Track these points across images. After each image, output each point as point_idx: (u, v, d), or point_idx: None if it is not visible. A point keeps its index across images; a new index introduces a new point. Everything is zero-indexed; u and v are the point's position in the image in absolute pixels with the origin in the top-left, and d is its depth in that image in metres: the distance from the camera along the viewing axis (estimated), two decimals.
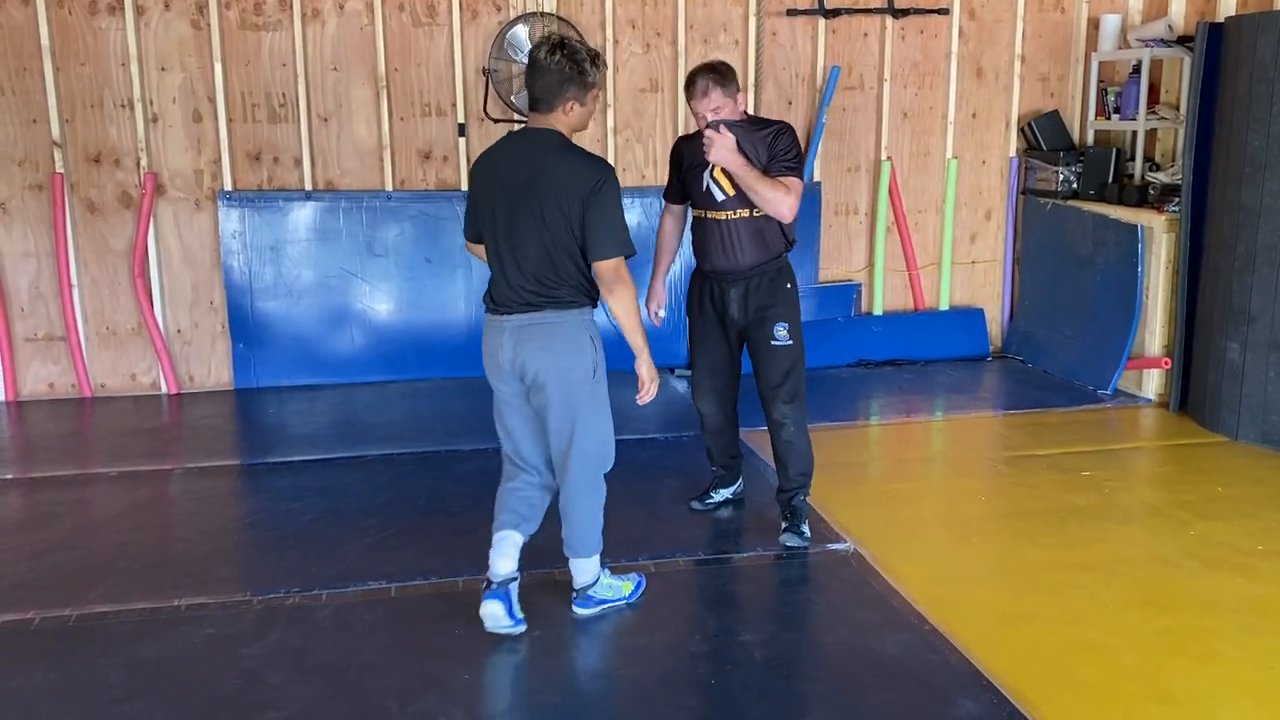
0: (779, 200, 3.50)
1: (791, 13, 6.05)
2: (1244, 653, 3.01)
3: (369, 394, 5.69)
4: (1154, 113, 5.86)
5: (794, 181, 3.55)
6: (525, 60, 3.50)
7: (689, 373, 4.05)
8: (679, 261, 5.70)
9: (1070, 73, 6.40)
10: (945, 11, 6.18)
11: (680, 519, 4.00)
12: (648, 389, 3.11)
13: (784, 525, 3.77)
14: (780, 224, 3.65)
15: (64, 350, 5.67)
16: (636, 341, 3.05)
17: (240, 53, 5.60)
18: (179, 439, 5.13)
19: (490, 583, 3.05)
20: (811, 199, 6.13)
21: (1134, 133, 5.92)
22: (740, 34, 6.02)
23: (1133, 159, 5.90)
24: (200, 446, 4.94)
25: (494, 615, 3.00)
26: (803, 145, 5.99)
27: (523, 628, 3.07)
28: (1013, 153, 6.46)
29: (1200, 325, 5.10)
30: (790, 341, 3.68)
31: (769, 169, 3.54)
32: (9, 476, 4.55)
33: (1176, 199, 5.35)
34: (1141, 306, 5.45)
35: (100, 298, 5.67)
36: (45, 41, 5.37)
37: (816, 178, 6.24)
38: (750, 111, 5.38)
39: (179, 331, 5.80)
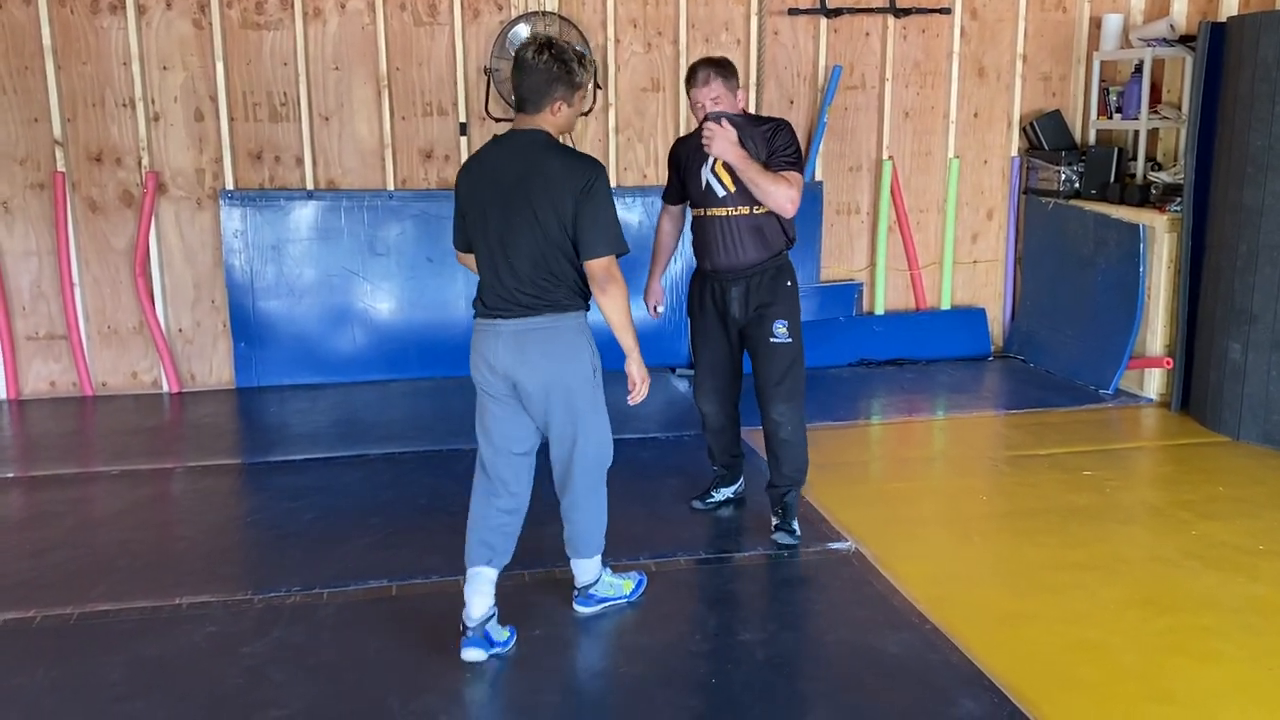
0: (780, 193, 3.50)
1: (793, 12, 6.05)
2: (1245, 652, 3.01)
3: (370, 393, 5.70)
4: (1156, 112, 5.85)
5: (795, 175, 3.55)
6: None
7: (690, 372, 4.05)
8: (680, 261, 5.75)
9: (1072, 72, 6.40)
10: (947, 11, 6.17)
11: (681, 518, 4.00)
12: (639, 389, 3.07)
13: (775, 523, 3.78)
14: (780, 221, 3.66)
15: (65, 349, 5.67)
16: (627, 341, 3.01)
17: (242, 52, 5.61)
18: (180, 437, 5.13)
19: (466, 628, 2.95)
20: (813, 198, 6.13)
21: (1136, 132, 5.91)
22: (742, 33, 6.02)
23: (1134, 158, 5.90)
24: (202, 445, 4.94)
25: (476, 658, 2.94)
26: (804, 145, 6.00)
27: (511, 645, 3.04)
28: (1014, 152, 6.45)
29: (1202, 325, 5.10)
30: (789, 339, 3.67)
31: (769, 164, 3.54)
32: (10, 475, 4.55)
33: (1178, 199, 5.35)
34: (1143, 306, 5.45)
35: (102, 296, 5.68)
36: (47, 40, 5.37)
37: (818, 177, 6.23)
38: (751, 110, 5.39)
39: (180, 330, 5.80)
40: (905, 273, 6.45)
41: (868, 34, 6.18)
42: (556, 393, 2.97)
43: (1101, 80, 6.19)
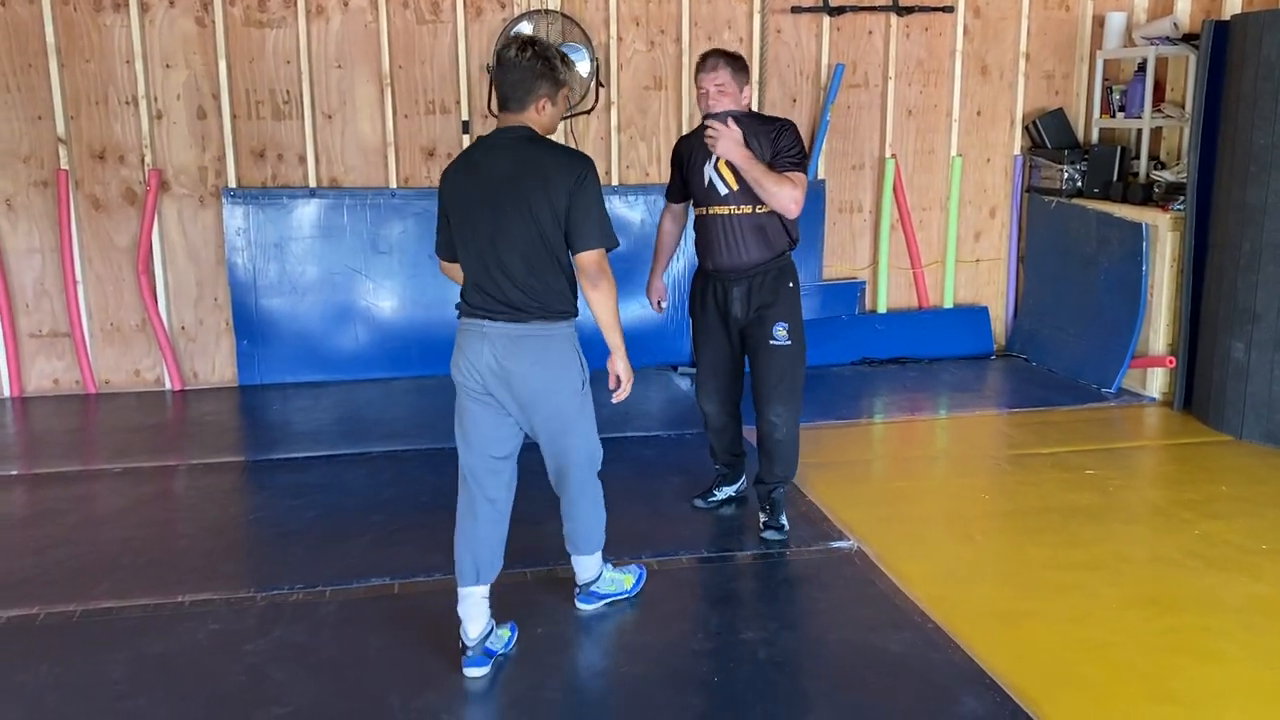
0: (784, 194, 3.49)
1: (796, 10, 6.04)
2: (1247, 652, 3.00)
3: (373, 391, 5.70)
4: (1159, 111, 5.85)
5: (799, 176, 3.55)
6: None
7: (692, 370, 4.05)
8: (682, 259, 5.75)
9: (1075, 70, 6.39)
10: (950, 9, 6.17)
11: (683, 516, 4.00)
12: (624, 388, 3.03)
13: (764, 520, 3.79)
14: (783, 221, 3.65)
15: (68, 346, 5.68)
16: (614, 339, 2.96)
17: (245, 50, 5.61)
18: (183, 435, 5.14)
19: (466, 647, 2.92)
20: (816, 196, 6.13)
21: (1139, 131, 5.90)
22: (745, 31, 6.02)
23: (1137, 157, 5.89)
24: (204, 443, 4.95)
25: (480, 674, 2.91)
26: (807, 143, 5.99)
27: (513, 643, 3.04)
28: (1017, 151, 6.45)
29: (1205, 324, 5.09)
30: (789, 342, 3.67)
31: (773, 164, 3.54)
32: (14, 472, 4.56)
33: (1181, 197, 5.34)
34: (1146, 305, 5.45)
35: (105, 294, 5.68)
36: (50, 39, 5.38)
37: (821, 175, 6.23)
38: (754, 108, 5.38)
39: (183, 328, 5.81)
40: (908, 271, 6.44)
41: (870, 32, 6.17)
42: (547, 402, 2.93)
43: (1105, 79, 6.19)
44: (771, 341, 3.66)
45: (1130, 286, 5.50)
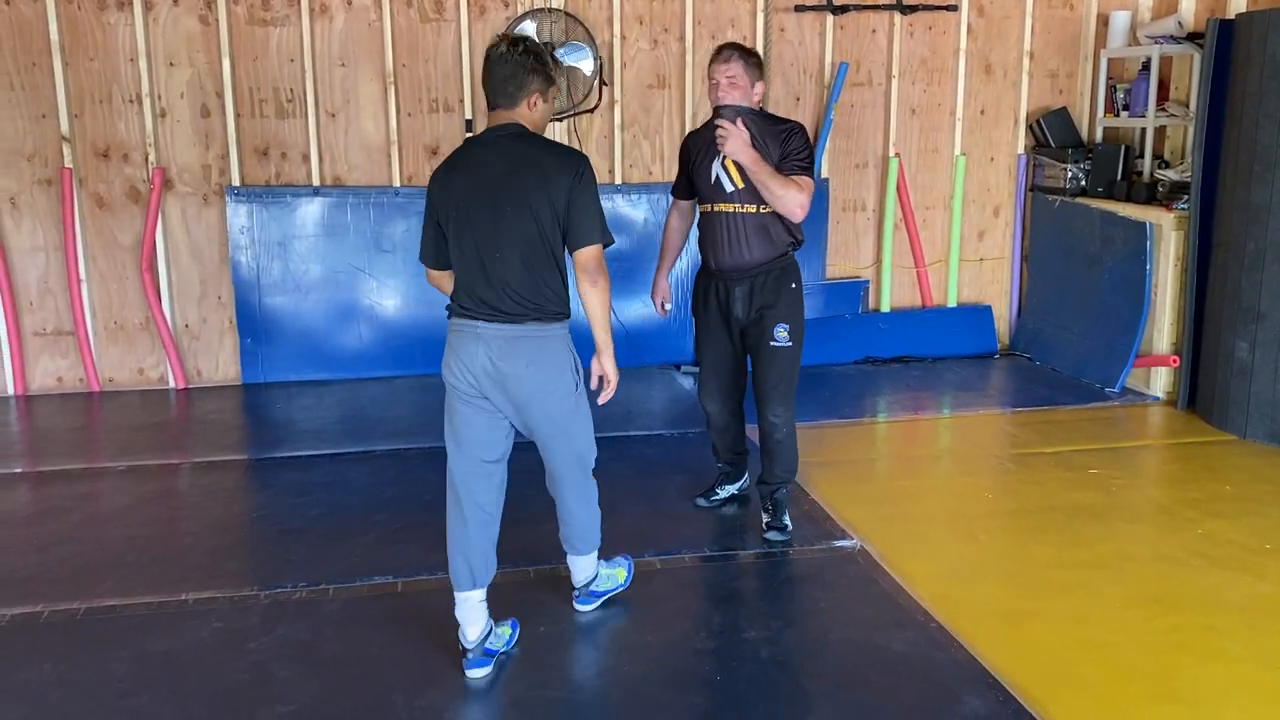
0: (790, 198, 3.49)
1: (800, 9, 6.04)
2: (1251, 652, 3.00)
3: (376, 389, 5.71)
4: (1163, 110, 5.84)
5: (806, 180, 3.55)
6: None
7: (695, 369, 4.05)
8: (685, 258, 5.74)
9: (1079, 69, 6.38)
10: (954, 8, 6.16)
11: (686, 515, 4.00)
12: (612, 386, 2.99)
13: (766, 520, 3.79)
14: (788, 221, 3.65)
15: (72, 344, 5.69)
16: (604, 337, 2.93)
17: (248, 48, 5.62)
18: (187, 433, 5.14)
19: (466, 650, 2.92)
20: (819, 195, 6.11)
21: (1143, 130, 5.90)
22: (748, 30, 6.01)
23: (1142, 156, 5.88)
24: (208, 441, 4.95)
25: (482, 676, 2.91)
26: (811, 141, 5.98)
27: (514, 641, 3.04)
28: (1021, 149, 6.44)
29: (1209, 323, 5.08)
30: (790, 343, 3.67)
31: (780, 167, 3.54)
32: (18, 470, 4.57)
33: (1185, 196, 5.33)
34: (1150, 304, 5.44)
35: (108, 292, 5.69)
36: (54, 37, 5.39)
37: (824, 174, 6.23)
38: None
39: (187, 326, 5.82)
40: (911, 270, 6.44)
41: (874, 31, 6.17)
42: (542, 403, 2.90)
43: (1109, 77, 6.18)
44: (772, 343, 3.66)
45: (1134, 286, 5.49)
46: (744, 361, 3.85)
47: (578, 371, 2.97)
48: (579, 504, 3.12)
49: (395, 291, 5.88)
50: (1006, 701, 2.74)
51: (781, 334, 3.65)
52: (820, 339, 5.73)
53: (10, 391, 5.61)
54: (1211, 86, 5.08)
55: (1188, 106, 5.74)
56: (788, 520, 3.78)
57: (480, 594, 2.96)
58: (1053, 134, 6.26)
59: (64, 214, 5.53)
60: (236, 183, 5.68)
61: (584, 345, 2.96)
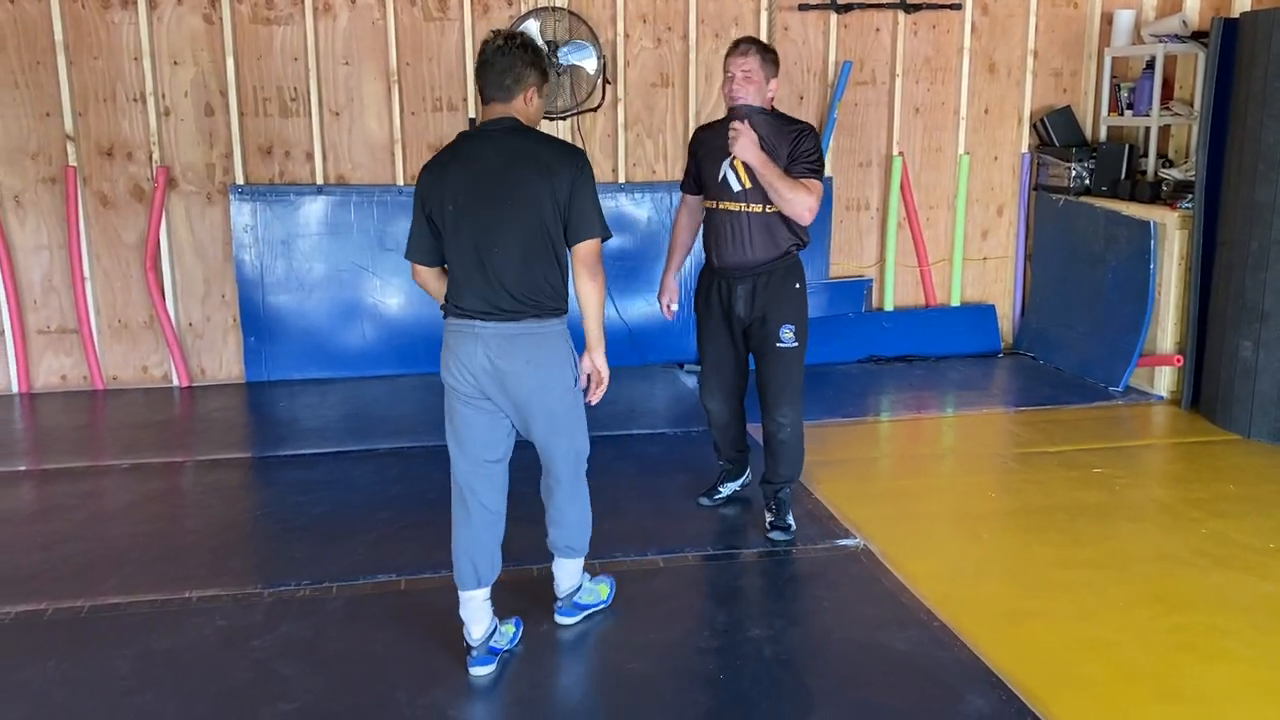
0: (799, 201, 3.49)
1: (803, 7, 6.03)
2: (1254, 651, 3.00)
3: (380, 387, 5.71)
4: (1167, 109, 5.83)
5: (815, 183, 3.54)
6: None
7: (698, 368, 4.05)
8: (689, 257, 5.73)
9: (1083, 68, 6.37)
10: (958, 6, 6.15)
11: (689, 514, 4.00)
12: (604, 385, 2.96)
13: (770, 520, 3.79)
14: (793, 222, 3.64)
15: (76, 342, 5.70)
16: (597, 331, 2.90)
17: (252, 47, 5.62)
18: (190, 432, 5.15)
19: (470, 648, 2.92)
20: (823, 194, 6.11)
21: (1147, 129, 5.89)
22: (752, 28, 6.00)
23: (1146, 155, 5.87)
24: (211, 439, 4.96)
25: (486, 673, 2.91)
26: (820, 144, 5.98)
27: (518, 639, 3.04)
28: (1025, 148, 6.43)
29: (1213, 322, 5.08)
30: (795, 344, 3.66)
31: (789, 169, 3.53)
32: (22, 468, 4.58)
33: (1189, 195, 5.33)
34: (1154, 303, 5.43)
35: (112, 290, 5.70)
36: (59, 35, 5.39)
37: (828, 173, 6.22)
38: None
39: (190, 324, 5.82)
40: (915, 269, 6.43)
41: (878, 29, 6.16)
42: (540, 400, 2.89)
43: (1113, 76, 6.17)
44: (778, 344, 3.65)
45: (1138, 285, 5.48)
46: (746, 360, 3.85)
47: (575, 368, 2.96)
48: (571, 504, 3.10)
49: (399, 290, 5.88)
50: (1009, 701, 2.74)
51: (787, 335, 3.65)
52: (824, 338, 5.73)
53: (14, 389, 5.62)
54: (1216, 85, 5.08)
55: (1192, 105, 5.73)
56: (791, 520, 3.78)
57: (485, 593, 2.96)
58: (1057, 133, 6.25)
59: (68, 212, 5.53)
60: (240, 181, 5.69)
61: (578, 342, 2.96)
